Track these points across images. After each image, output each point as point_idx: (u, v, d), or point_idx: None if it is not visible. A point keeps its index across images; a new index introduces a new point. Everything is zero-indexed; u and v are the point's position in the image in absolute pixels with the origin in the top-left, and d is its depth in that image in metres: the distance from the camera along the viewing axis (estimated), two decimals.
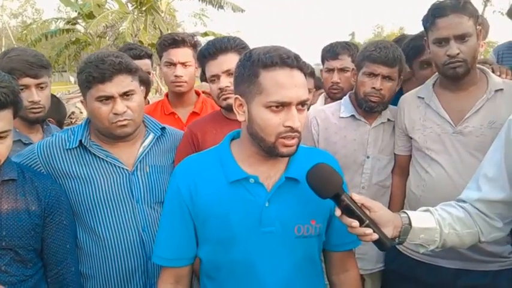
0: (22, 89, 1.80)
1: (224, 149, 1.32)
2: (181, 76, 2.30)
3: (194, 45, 2.36)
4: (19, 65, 1.81)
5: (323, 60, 2.51)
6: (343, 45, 2.46)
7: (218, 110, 1.93)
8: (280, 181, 1.26)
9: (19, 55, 1.85)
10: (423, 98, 1.88)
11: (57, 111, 2.50)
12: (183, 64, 2.31)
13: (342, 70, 2.40)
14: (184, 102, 2.39)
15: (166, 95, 2.47)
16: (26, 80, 1.83)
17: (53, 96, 2.56)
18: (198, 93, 2.46)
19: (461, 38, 1.69)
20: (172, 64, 2.32)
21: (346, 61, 2.40)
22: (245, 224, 1.24)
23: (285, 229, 1.26)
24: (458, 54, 1.69)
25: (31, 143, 1.84)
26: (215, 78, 1.77)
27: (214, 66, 1.76)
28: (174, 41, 2.30)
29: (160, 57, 2.40)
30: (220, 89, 1.75)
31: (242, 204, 1.25)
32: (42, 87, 1.90)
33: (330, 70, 2.44)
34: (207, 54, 1.77)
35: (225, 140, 1.35)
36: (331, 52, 2.45)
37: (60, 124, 2.54)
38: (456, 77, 1.74)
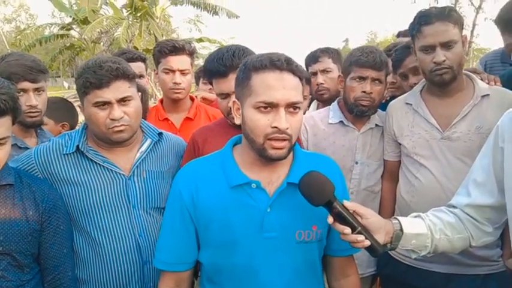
0: (20, 93, 1.81)
1: (226, 153, 1.33)
2: (180, 83, 2.31)
3: (192, 53, 2.37)
4: (18, 69, 1.82)
5: (307, 67, 2.59)
6: (322, 49, 2.56)
7: (223, 117, 1.92)
8: (282, 186, 1.27)
9: (18, 60, 1.86)
10: (411, 104, 1.90)
11: (71, 116, 2.52)
12: (182, 72, 2.32)
13: (325, 71, 2.49)
14: (178, 108, 2.39)
15: (161, 101, 2.47)
16: (25, 84, 1.84)
17: (66, 101, 2.59)
18: (192, 99, 2.47)
19: (447, 45, 1.73)
20: (171, 71, 2.31)
21: (326, 62, 2.49)
22: (247, 229, 1.26)
23: (286, 234, 1.27)
24: (444, 61, 1.72)
25: (26, 148, 1.85)
26: (225, 96, 1.73)
27: (224, 85, 1.70)
28: (174, 48, 2.30)
29: (158, 63, 2.38)
30: (230, 107, 1.73)
31: (244, 209, 1.26)
32: (39, 92, 1.91)
33: (314, 74, 2.51)
34: (216, 72, 1.70)
35: (227, 145, 1.36)
36: (311, 57, 2.55)
37: (72, 129, 2.57)
38: (443, 84, 1.78)
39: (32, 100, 1.87)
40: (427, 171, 1.81)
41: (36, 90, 1.90)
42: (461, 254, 1.65)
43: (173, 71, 2.31)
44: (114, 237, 1.60)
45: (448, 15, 1.73)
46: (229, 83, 1.66)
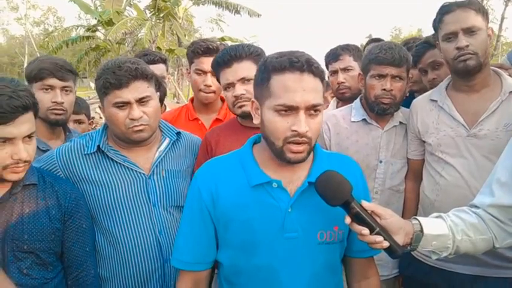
0: (47, 90, 1.92)
1: (246, 152, 1.32)
2: (211, 86, 2.28)
3: None
4: (48, 66, 1.92)
5: (327, 65, 2.54)
6: (342, 46, 2.49)
7: (234, 117, 1.93)
8: (303, 186, 1.24)
9: (49, 59, 1.97)
10: (436, 101, 1.86)
11: (86, 109, 2.62)
12: (213, 73, 2.30)
13: (345, 70, 2.43)
14: (209, 109, 2.37)
15: (191, 100, 2.46)
16: (53, 81, 1.92)
17: (81, 99, 2.67)
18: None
19: (470, 31, 1.69)
20: (203, 72, 2.29)
21: (347, 60, 2.43)
22: (268, 229, 1.24)
23: (307, 235, 1.25)
24: (467, 46, 1.68)
25: (49, 150, 1.89)
26: (230, 86, 1.77)
27: (230, 74, 1.76)
28: (208, 50, 2.27)
29: (191, 63, 2.36)
30: (235, 96, 1.75)
31: (265, 209, 1.24)
32: (67, 91, 1.97)
33: (334, 72, 2.46)
34: (221, 62, 1.77)
35: (247, 144, 1.35)
36: (332, 55, 2.49)
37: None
38: (467, 71, 1.72)
39: (58, 97, 1.93)
40: (453, 169, 1.76)
41: (64, 88, 1.96)
42: (488, 255, 1.60)
43: (205, 73, 2.28)
44: (135, 235, 1.63)
45: (470, 2, 1.71)
46: (235, 73, 1.73)
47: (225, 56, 1.75)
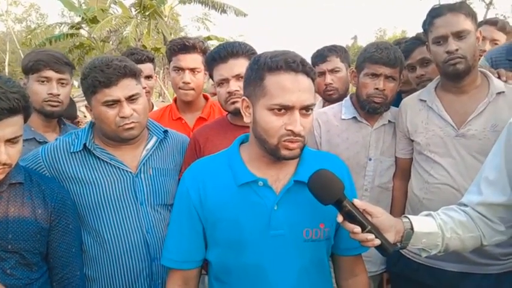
0: (43, 82, 1.95)
1: (233, 152, 1.33)
2: (189, 83, 2.26)
3: (204, 51, 2.30)
4: (45, 57, 1.95)
5: (313, 66, 2.54)
6: (329, 48, 2.52)
7: (224, 115, 1.92)
8: (289, 184, 1.26)
9: (46, 51, 2.01)
10: (425, 101, 1.88)
11: (70, 110, 2.59)
12: (192, 70, 2.26)
13: (333, 71, 2.45)
14: (191, 108, 2.36)
15: (175, 100, 2.44)
16: (49, 73, 1.95)
17: None
18: (206, 98, 2.43)
19: (459, 35, 1.72)
20: (180, 70, 2.27)
21: (334, 62, 2.45)
22: (254, 227, 1.25)
23: (293, 232, 1.26)
24: (457, 50, 1.71)
25: (46, 142, 1.87)
26: (224, 82, 1.77)
27: (225, 70, 1.76)
28: (184, 46, 2.26)
29: (170, 61, 2.35)
30: (229, 92, 1.75)
31: (251, 207, 1.25)
32: (63, 84, 2.00)
33: (321, 74, 2.47)
34: (217, 57, 1.77)
35: (234, 144, 1.36)
36: (319, 57, 2.50)
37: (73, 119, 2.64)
38: (456, 74, 1.75)
39: (54, 89, 1.96)
40: (441, 169, 1.79)
41: (60, 80, 1.99)
42: (473, 253, 1.63)
43: (183, 70, 2.26)
44: (122, 234, 1.61)
45: (460, 7, 1.74)
46: (230, 69, 1.74)
47: (222, 52, 1.75)
